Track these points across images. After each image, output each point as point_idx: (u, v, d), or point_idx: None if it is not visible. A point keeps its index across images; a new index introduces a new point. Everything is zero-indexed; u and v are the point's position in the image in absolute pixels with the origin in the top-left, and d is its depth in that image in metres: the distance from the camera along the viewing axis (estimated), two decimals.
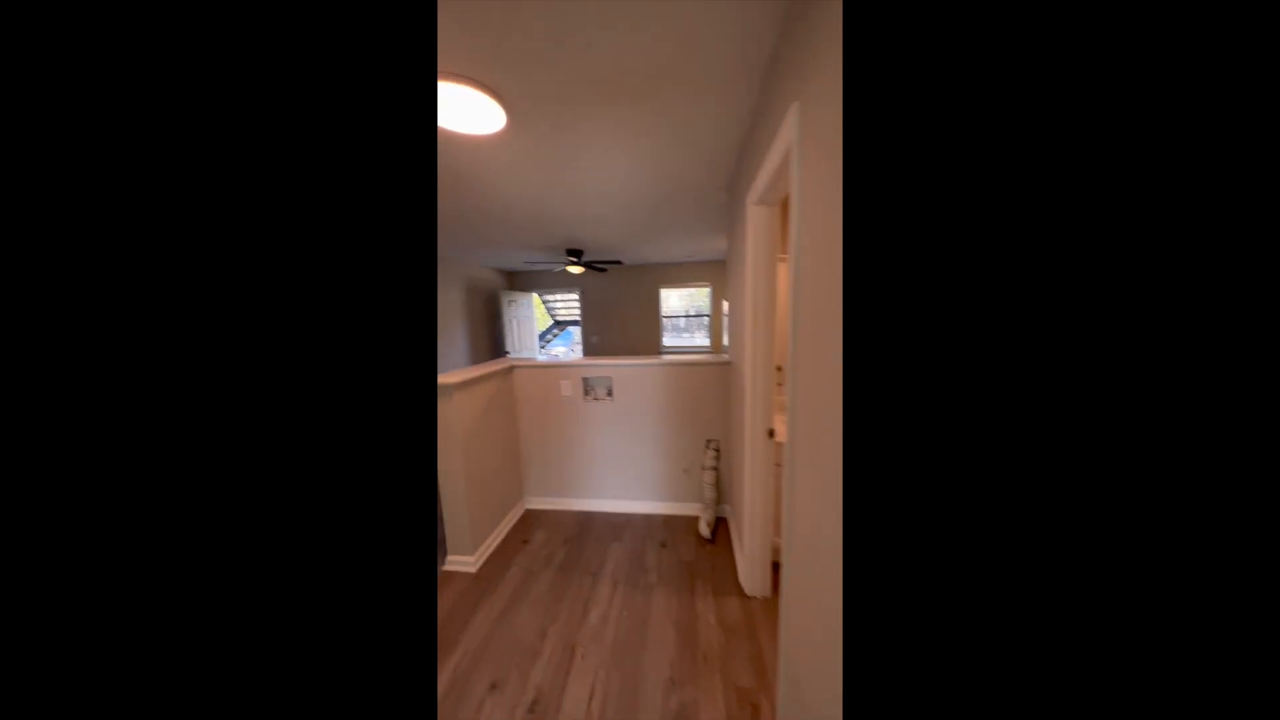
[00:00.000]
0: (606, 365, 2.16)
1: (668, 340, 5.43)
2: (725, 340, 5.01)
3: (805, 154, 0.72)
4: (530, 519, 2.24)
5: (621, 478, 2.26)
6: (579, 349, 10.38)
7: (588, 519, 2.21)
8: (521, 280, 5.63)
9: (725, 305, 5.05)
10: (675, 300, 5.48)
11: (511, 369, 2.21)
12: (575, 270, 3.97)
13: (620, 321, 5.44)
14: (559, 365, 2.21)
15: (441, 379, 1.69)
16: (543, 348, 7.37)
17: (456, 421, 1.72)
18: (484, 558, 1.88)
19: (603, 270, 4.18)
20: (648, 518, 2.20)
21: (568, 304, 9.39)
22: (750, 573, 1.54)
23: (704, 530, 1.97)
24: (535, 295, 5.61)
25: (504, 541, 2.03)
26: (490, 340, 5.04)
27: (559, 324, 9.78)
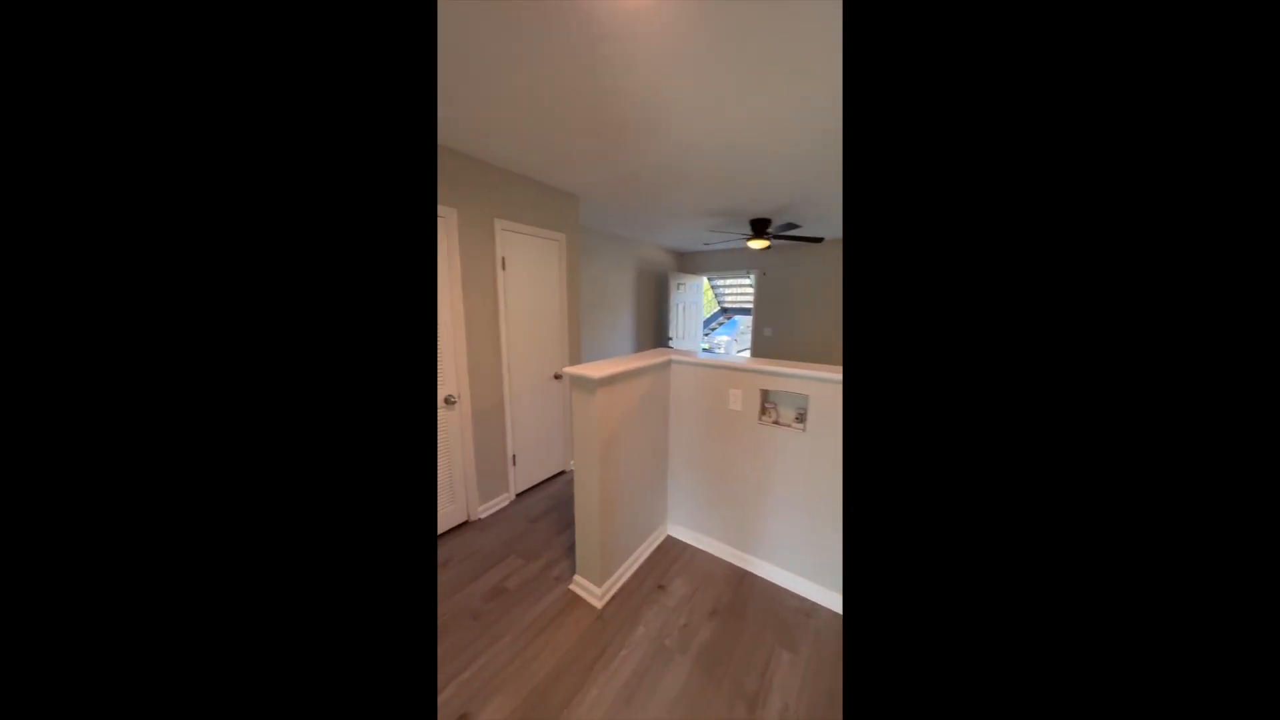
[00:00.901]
0: (803, 376, 1.44)
1: None
2: None
3: None
4: (670, 551, 1.80)
5: (804, 546, 1.54)
6: (745, 339, 9.52)
7: (745, 583, 1.61)
8: (691, 262, 5.23)
9: None
10: None
11: (669, 364, 1.76)
12: (758, 246, 3.23)
13: (805, 313, 4.39)
14: (730, 367, 1.62)
15: (585, 370, 1.35)
16: (706, 336, 6.94)
17: (598, 422, 1.37)
18: (611, 592, 1.53)
19: (799, 240, 3.26)
20: (840, 621, 1.43)
21: (738, 289, 8.59)
22: None
23: None
24: (705, 279, 5.14)
25: (637, 573, 1.65)
26: (655, 325, 4.87)
27: (725, 311, 9.15)
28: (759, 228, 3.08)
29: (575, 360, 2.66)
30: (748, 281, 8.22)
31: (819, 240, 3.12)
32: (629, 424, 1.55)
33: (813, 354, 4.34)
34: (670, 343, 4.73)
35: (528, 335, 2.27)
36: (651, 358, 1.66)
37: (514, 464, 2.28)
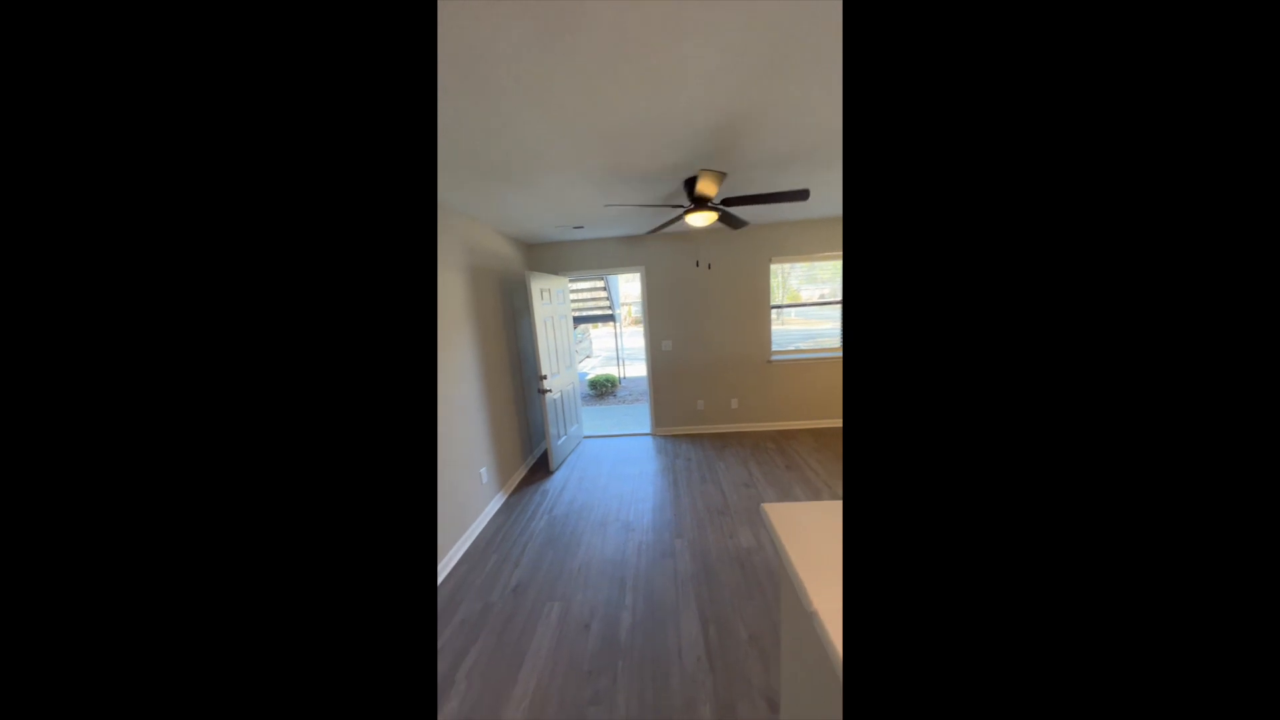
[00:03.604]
0: None
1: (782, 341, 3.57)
2: None
3: None
4: None
5: None
6: (584, 348, 8.18)
7: None
8: (548, 257, 3.58)
9: None
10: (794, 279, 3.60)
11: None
12: (703, 222, 2.03)
13: (721, 314, 3.52)
14: None
15: None
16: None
17: None
18: None
19: (777, 199, 2.01)
20: None
21: (583, 293, 7.16)
22: None
23: None
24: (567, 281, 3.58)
25: None
26: (513, 360, 3.01)
27: (577, 320, 7.66)
28: (697, 191, 1.82)
29: None
30: (600, 284, 6.95)
31: (803, 196, 2.00)
32: None
33: (731, 367, 3.54)
34: (545, 383, 2.99)
35: None
36: None
37: None
